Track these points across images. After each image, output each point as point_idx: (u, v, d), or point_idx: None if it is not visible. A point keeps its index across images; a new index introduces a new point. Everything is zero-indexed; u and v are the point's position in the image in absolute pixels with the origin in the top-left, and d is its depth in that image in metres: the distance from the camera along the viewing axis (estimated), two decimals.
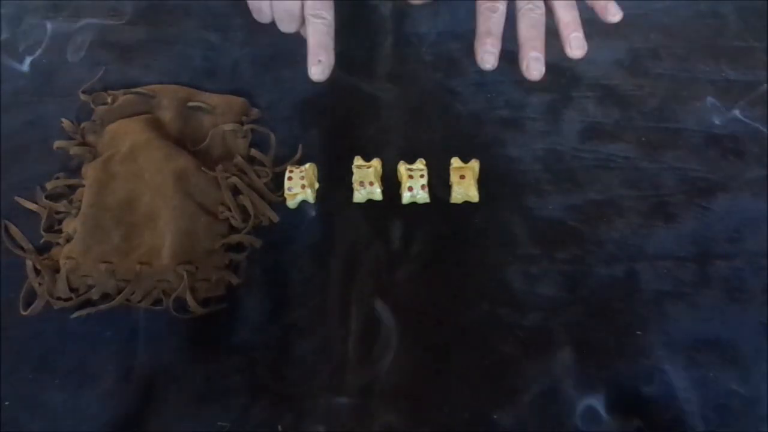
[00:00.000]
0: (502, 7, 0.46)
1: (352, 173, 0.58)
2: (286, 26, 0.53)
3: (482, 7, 0.47)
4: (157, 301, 0.52)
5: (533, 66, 0.45)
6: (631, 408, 0.48)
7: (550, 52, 0.68)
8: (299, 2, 0.49)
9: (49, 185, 0.58)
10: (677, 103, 0.65)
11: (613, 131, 0.63)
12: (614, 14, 0.47)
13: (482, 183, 0.58)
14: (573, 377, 0.49)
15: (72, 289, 0.52)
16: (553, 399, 0.49)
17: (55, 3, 0.73)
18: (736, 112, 0.61)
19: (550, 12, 0.46)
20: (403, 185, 0.58)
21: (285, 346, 0.51)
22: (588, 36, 0.70)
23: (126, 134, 0.59)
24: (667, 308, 0.53)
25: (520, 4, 0.47)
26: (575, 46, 0.46)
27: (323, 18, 0.48)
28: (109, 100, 0.63)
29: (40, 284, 0.52)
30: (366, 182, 0.57)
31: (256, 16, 0.53)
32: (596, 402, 0.48)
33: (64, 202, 0.57)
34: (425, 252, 0.56)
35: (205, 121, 0.63)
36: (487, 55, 0.45)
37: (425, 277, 0.54)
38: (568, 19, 0.47)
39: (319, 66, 0.47)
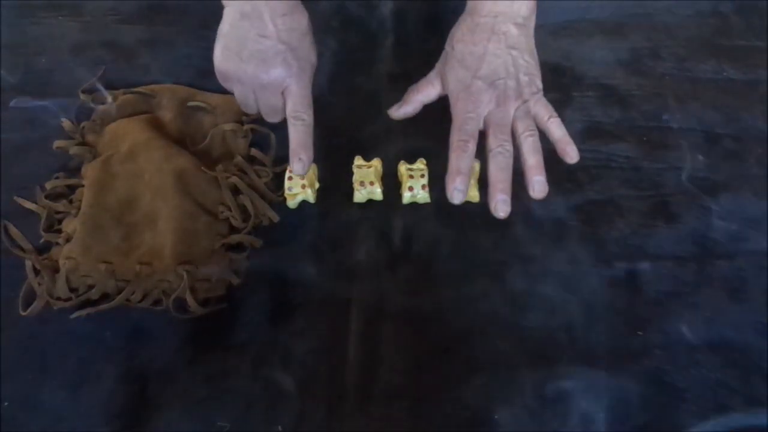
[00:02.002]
0: (472, 146, 0.51)
1: (352, 173, 0.58)
2: (271, 119, 0.57)
3: (454, 145, 0.51)
4: (157, 301, 0.52)
5: (500, 207, 0.49)
6: (631, 408, 0.48)
7: (552, 54, 0.68)
8: (282, 99, 0.54)
9: (49, 185, 0.58)
10: (678, 103, 0.65)
11: (614, 131, 0.63)
12: (572, 158, 0.52)
13: (482, 183, 0.58)
14: (573, 377, 0.49)
15: (72, 289, 0.52)
16: (554, 399, 0.49)
17: (55, 3, 0.73)
18: None
19: (518, 151, 0.52)
20: (403, 185, 0.58)
21: (285, 346, 0.51)
22: (589, 35, 0.70)
23: (126, 134, 0.59)
24: (667, 308, 0.53)
25: (490, 145, 0.51)
26: (537, 189, 0.50)
27: (303, 119, 0.53)
28: (109, 100, 0.63)
29: (39, 284, 0.52)
30: (366, 182, 0.57)
31: (243, 108, 0.58)
32: (597, 401, 0.48)
33: (64, 202, 0.57)
34: (425, 252, 0.56)
35: (205, 121, 0.63)
36: (456, 192, 0.50)
37: (425, 277, 0.54)
38: (532, 162, 0.51)
39: (299, 163, 0.53)
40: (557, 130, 0.52)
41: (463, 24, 0.55)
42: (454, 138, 0.51)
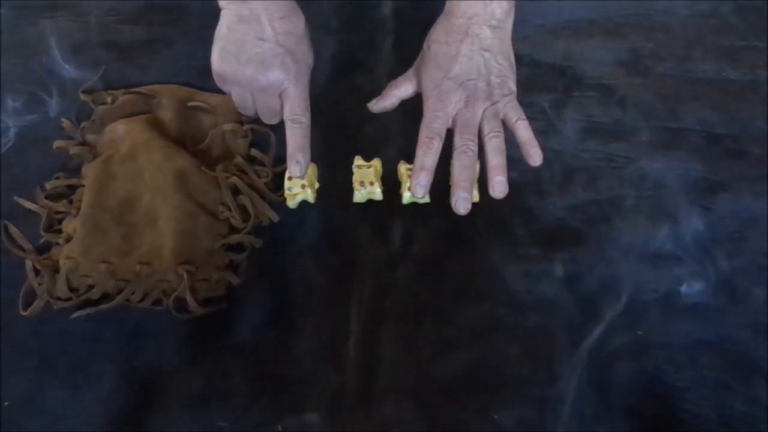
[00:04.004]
0: (437, 144, 0.52)
1: (352, 173, 0.58)
2: (268, 120, 0.57)
3: (421, 141, 0.53)
4: (157, 301, 0.52)
5: (460, 204, 0.51)
6: (631, 408, 0.48)
7: (552, 54, 0.68)
8: (279, 101, 0.55)
9: (49, 185, 0.58)
10: (678, 102, 0.65)
11: (614, 131, 0.63)
12: (536, 161, 0.53)
13: (482, 183, 0.58)
14: (573, 377, 0.49)
15: (72, 289, 0.52)
16: (554, 399, 0.49)
17: (55, 3, 0.73)
18: None
19: (482, 151, 0.53)
20: (403, 185, 0.58)
21: (285, 346, 0.51)
22: (589, 35, 0.70)
23: (126, 134, 0.59)
24: (667, 308, 0.53)
25: (456, 144, 0.52)
26: (498, 189, 0.52)
27: (300, 122, 0.54)
28: (109, 100, 0.63)
29: (40, 284, 0.52)
30: (366, 182, 0.57)
31: (241, 110, 0.58)
32: (597, 401, 0.48)
33: (64, 202, 0.57)
34: (425, 252, 0.56)
35: (205, 121, 0.63)
36: (419, 187, 0.52)
37: (425, 277, 0.54)
38: (496, 163, 0.52)
39: (297, 165, 0.53)
40: (524, 133, 0.53)
41: (440, 25, 0.55)
42: (421, 135, 0.52)
